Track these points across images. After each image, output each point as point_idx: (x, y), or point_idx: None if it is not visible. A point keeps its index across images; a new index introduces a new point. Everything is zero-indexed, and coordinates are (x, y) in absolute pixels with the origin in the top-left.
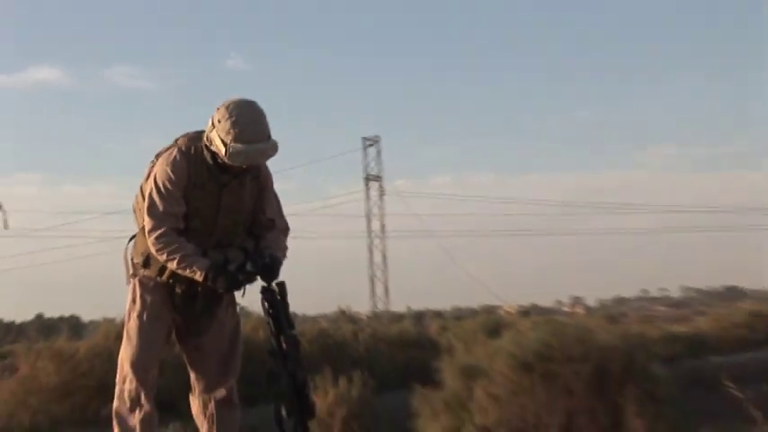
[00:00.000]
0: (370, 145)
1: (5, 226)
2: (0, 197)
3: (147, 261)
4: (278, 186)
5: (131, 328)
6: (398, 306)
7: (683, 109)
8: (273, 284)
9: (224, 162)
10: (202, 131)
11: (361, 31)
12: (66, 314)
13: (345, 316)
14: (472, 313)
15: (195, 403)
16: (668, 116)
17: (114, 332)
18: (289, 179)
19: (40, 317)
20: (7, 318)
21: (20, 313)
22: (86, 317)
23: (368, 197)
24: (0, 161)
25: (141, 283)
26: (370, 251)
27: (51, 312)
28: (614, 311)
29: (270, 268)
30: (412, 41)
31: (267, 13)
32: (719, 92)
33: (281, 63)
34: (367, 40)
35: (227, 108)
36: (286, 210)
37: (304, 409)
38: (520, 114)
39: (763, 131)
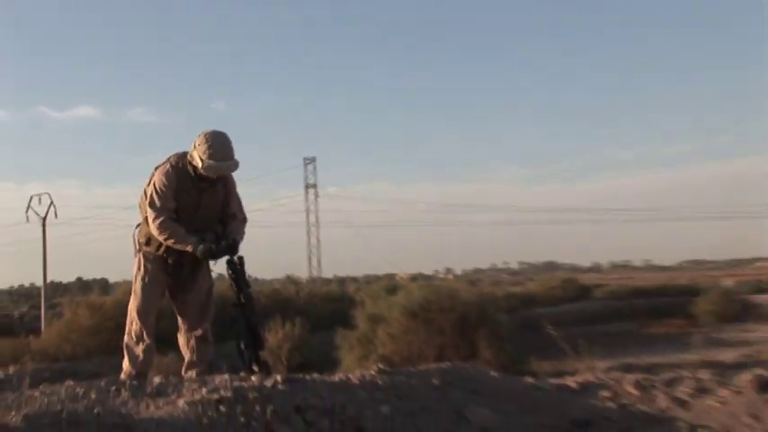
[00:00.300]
0: (309, 163)
1: (55, 215)
2: (51, 195)
3: (149, 241)
4: (242, 191)
5: (137, 287)
6: (327, 274)
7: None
8: (235, 258)
9: (201, 173)
10: (187, 152)
11: (302, 82)
12: (99, 277)
13: (290, 280)
14: (377, 279)
15: (181, 339)
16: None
17: (129, 290)
18: (252, 185)
19: (79, 279)
20: (56, 280)
21: (65, 276)
22: (112, 279)
23: (307, 199)
24: (50, 172)
25: (144, 256)
26: (308, 236)
27: (87, 276)
28: (473, 278)
29: (232, 247)
30: (342, 86)
31: (242, 68)
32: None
33: (249, 106)
34: (309, 86)
35: (204, 135)
36: (249, 207)
37: (256, 344)
38: (415, 142)
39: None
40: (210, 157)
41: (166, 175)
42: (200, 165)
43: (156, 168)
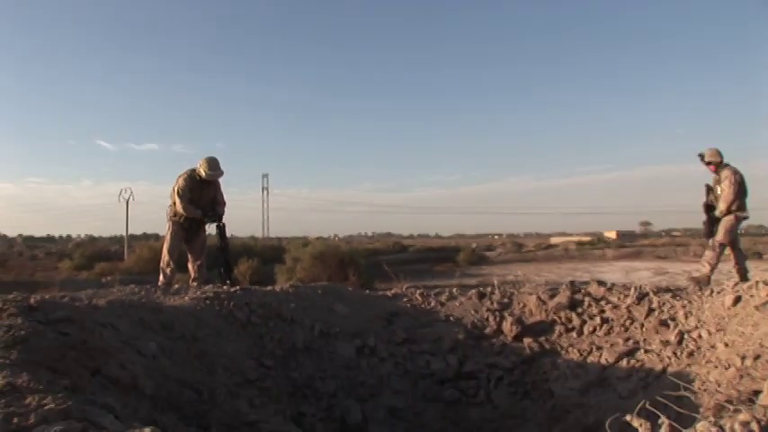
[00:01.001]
0: (265, 176)
1: (133, 198)
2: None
3: (175, 214)
4: (226, 190)
5: (168, 238)
6: (273, 235)
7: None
8: (220, 224)
9: (203, 179)
10: (195, 168)
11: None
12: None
13: (252, 238)
14: (303, 239)
15: (190, 265)
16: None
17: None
18: (232, 186)
19: (144, 233)
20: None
21: (138, 231)
22: (161, 233)
23: (263, 195)
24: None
25: (172, 222)
26: (263, 215)
27: (148, 231)
28: (349, 240)
29: (219, 217)
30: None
31: (237, 112)
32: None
33: (234, 143)
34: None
35: (205, 159)
36: (229, 199)
37: (230, 270)
38: (357, 153)
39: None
40: (209, 169)
41: (186, 180)
42: (203, 174)
43: (179, 176)
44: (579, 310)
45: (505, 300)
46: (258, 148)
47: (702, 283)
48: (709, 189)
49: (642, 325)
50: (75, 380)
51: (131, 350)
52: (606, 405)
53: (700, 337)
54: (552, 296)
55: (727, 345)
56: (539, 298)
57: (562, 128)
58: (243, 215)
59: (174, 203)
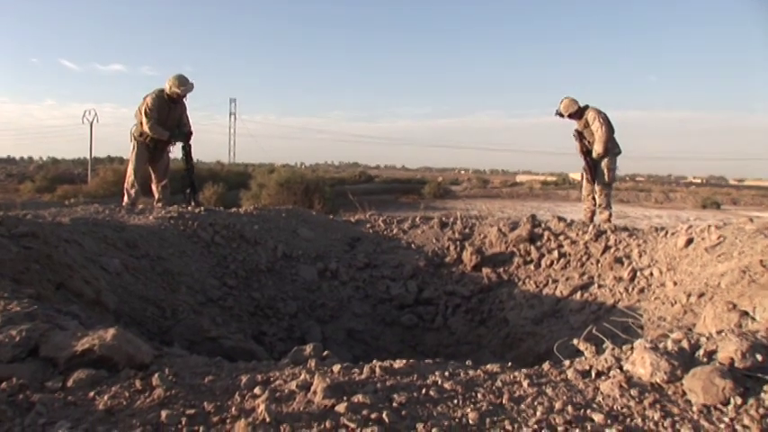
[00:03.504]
0: (233, 101)
1: (97, 120)
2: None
3: (141, 134)
4: (194, 115)
5: (132, 158)
6: (239, 161)
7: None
8: (187, 144)
9: (170, 97)
10: (163, 88)
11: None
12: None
13: (218, 163)
14: (269, 166)
15: (154, 186)
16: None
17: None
18: (202, 111)
19: (108, 156)
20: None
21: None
22: (125, 156)
23: (230, 122)
24: (96, 97)
25: (137, 142)
26: (229, 140)
27: (112, 154)
28: (315, 168)
29: (186, 138)
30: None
31: (206, 36)
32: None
33: (202, 67)
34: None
35: (173, 76)
36: (197, 125)
37: (194, 191)
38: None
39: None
40: (179, 84)
41: (154, 99)
42: (174, 91)
43: (147, 96)
44: (538, 243)
45: (467, 230)
46: (227, 72)
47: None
48: (580, 135)
49: (598, 261)
50: (39, 291)
51: (95, 266)
52: (558, 335)
53: (651, 275)
54: (513, 229)
55: (675, 283)
56: (499, 230)
57: (539, 66)
58: (209, 140)
59: (141, 123)
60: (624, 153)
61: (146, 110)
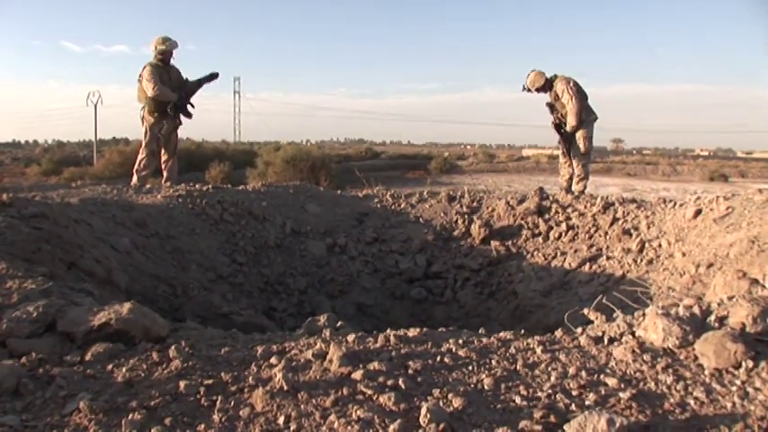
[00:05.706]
0: (237, 79)
1: (102, 102)
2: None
3: (152, 112)
4: (200, 94)
5: (145, 141)
6: (245, 139)
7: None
8: (188, 106)
9: (161, 60)
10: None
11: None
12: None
13: (224, 142)
14: (275, 144)
15: (162, 165)
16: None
17: (139, 143)
18: (206, 90)
19: (114, 137)
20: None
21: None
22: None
23: (235, 101)
24: (99, 79)
25: (148, 122)
26: (234, 119)
27: (118, 135)
28: (321, 145)
29: (188, 97)
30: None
31: (210, 14)
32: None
33: (206, 46)
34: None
35: (157, 37)
36: (202, 103)
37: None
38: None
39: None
40: (164, 41)
41: (149, 69)
42: (161, 47)
43: (142, 69)
44: (546, 216)
45: (475, 204)
46: (230, 51)
47: None
48: (551, 107)
49: (606, 233)
50: (51, 270)
51: (105, 246)
52: (567, 307)
53: (660, 246)
54: (521, 202)
55: (684, 254)
56: (507, 203)
57: (545, 39)
58: (214, 119)
59: (146, 105)
60: (632, 126)
61: (147, 76)
